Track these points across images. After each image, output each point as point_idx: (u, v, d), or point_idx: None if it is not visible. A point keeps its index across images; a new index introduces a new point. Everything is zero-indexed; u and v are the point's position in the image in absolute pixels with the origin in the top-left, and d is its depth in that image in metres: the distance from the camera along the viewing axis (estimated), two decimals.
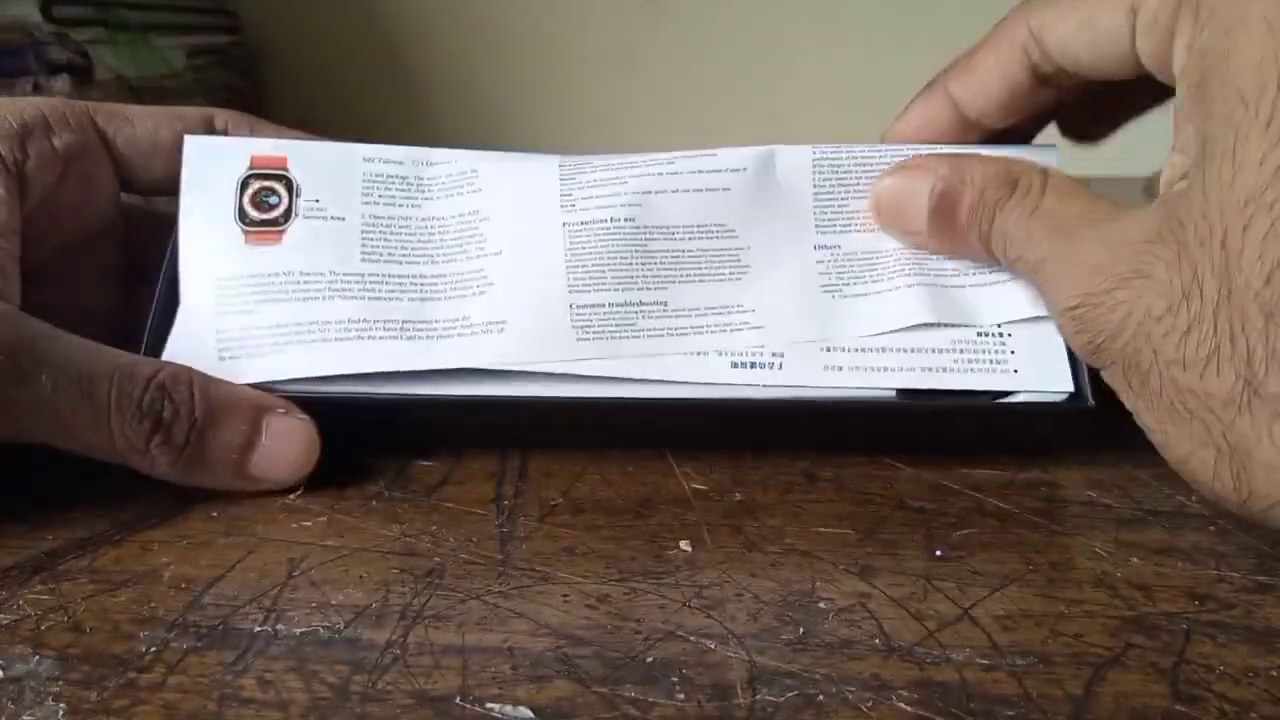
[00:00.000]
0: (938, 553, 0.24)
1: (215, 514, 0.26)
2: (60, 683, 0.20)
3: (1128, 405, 0.24)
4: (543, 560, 0.24)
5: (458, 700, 0.19)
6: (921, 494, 0.27)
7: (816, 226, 0.30)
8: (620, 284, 0.29)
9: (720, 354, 0.29)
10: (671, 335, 0.29)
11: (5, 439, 0.24)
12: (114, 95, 0.71)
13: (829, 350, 0.29)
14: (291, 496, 0.27)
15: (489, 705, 0.19)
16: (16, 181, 0.27)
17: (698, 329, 0.29)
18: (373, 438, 0.29)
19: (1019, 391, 0.28)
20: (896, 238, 0.29)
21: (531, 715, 0.19)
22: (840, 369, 0.28)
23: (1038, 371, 0.28)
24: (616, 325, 0.29)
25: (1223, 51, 0.21)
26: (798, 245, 0.30)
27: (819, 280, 0.30)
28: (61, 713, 0.19)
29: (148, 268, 0.32)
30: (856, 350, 0.29)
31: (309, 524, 0.26)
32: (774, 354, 0.29)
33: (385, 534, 0.25)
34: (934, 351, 0.28)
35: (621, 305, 0.29)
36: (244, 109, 0.33)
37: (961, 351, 0.28)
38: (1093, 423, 0.27)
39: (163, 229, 0.31)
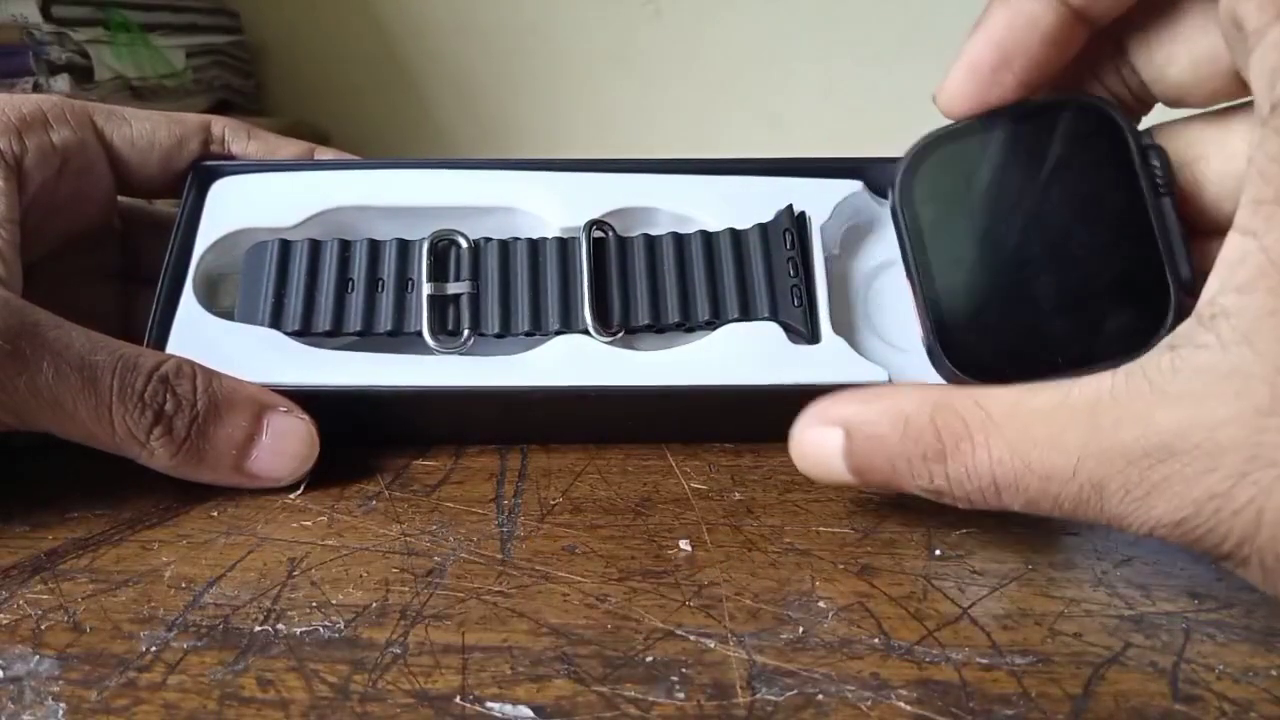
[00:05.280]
0: (937, 552, 0.24)
1: (215, 513, 0.26)
2: (60, 683, 0.20)
3: (1266, 590, 0.20)
4: (542, 560, 0.24)
5: (458, 700, 0.19)
6: None
7: None
8: None
9: None
10: None
11: (6, 427, 0.24)
12: (114, 95, 0.71)
13: None
14: (292, 496, 0.27)
15: (489, 705, 0.19)
16: (15, 173, 0.28)
17: None
18: (373, 433, 0.29)
19: None
20: None
21: (531, 715, 0.19)
22: None
23: None
24: None
25: None
26: None
27: None
28: (61, 712, 0.19)
29: (146, 270, 0.32)
30: None
31: (309, 524, 0.26)
32: None
33: (385, 534, 0.25)
34: None
35: None
36: (244, 109, 0.33)
37: None
38: None
39: (164, 231, 0.31)
